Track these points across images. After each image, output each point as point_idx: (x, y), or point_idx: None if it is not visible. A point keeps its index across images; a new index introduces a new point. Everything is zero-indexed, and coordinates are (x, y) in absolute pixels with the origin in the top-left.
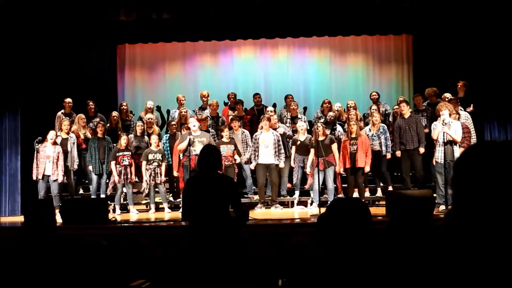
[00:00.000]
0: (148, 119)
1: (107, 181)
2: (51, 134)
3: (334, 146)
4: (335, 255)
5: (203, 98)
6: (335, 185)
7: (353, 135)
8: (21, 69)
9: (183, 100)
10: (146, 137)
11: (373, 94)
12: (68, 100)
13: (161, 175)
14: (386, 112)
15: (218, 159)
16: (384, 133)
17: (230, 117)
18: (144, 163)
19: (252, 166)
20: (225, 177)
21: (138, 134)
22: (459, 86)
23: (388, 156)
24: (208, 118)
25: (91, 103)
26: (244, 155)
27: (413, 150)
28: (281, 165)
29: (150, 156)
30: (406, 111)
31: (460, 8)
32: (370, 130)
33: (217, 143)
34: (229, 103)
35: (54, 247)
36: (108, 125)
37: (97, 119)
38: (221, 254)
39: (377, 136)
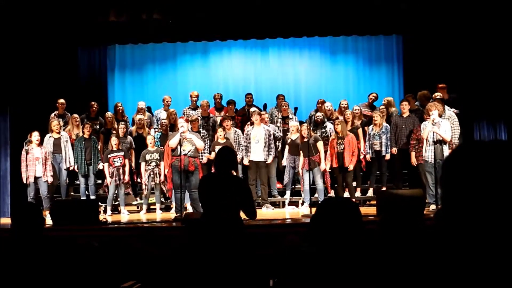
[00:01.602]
0: (139, 120)
1: (97, 181)
2: (35, 136)
3: (320, 144)
4: (327, 255)
5: (193, 98)
6: (324, 185)
7: (340, 135)
8: (10, 70)
9: (169, 101)
10: (129, 138)
11: (373, 96)
12: (61, 101)
13: (160, 175)
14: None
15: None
16: (386, 133)
17: (223, 116)
18: (143, 164)
19: (246, 161)
20: (237, 178)
21: (121, 135)
22: (438, 89)
23: (387, 157)
24: (199, 118)
25: (95, 105)
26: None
27: (407, 149)
28: (269, 160)
29: (148, 157)
30: (406, 110)
31: (450, 8)
32: (372, 129)
33: (213, 143)
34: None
35: (42, 248)
36: (103, 127)
37: (97, 122)
38: (224, 253)
39: (379, 135)
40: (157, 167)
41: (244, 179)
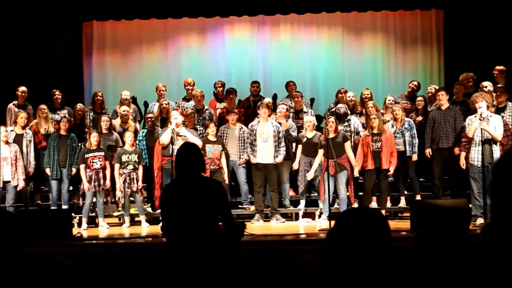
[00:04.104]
0: (124, 111)
1: (71, 188)
2: (1, 132)
3: (348, 145)
4: (347, 277)
5: (188, 87)
6: (347, 194)
7: (375, 131)
8: None
9: (163, 91)
10: (115, 134)
11: (413, 84)
12: (22, 89)
13: (137, 181)
14: None
15: (200, 159)
16: (409, 129)
17: (225, 108)
18: (117, 166)
19: (254, 160)
20: (211, 181)
21: (104, 131)
22: (495, 73)
23: (414, 157)
24: (195, 112)
25: (57, 92)
26: (241, 155)
27: (448, 149)
28: (278, 159)
29: (124, 158)
30: (445, 101)
31: None
32: (392, 126)
33: (202, 141)
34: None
35: (15, 267)
36: (71, 119)
37: (65, 111)
38: (208, 277)
39: (401, 133)
40: (134, 171)
41: (219, 182)
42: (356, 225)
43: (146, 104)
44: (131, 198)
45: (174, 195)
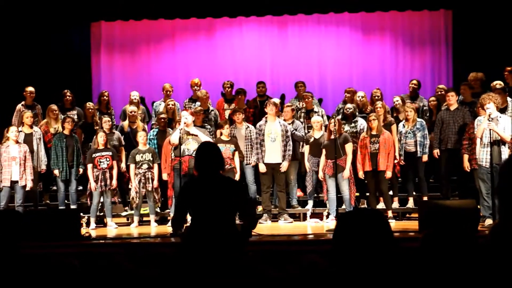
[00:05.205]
0: (131, 112)
1: (80, 188)
2: (12, 131)
3: (349, 147)
4: (352, 277)
5: (195, 87)
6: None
7: (374, 132)
8: None
9: (170, 91)
10: (116, 133)
11: (413, 84)
12: (30, 89)
13: (153, 180)
14: (424, 108)
15: (220, 158)
16: (421, 129)
17: (234, 109)
18: (132, 166)
19: (262, 168)
20: (229, 180)
21: (106, 131)
22: (506, 74)
23: (425, 158)
24: (202, 110)
25: (68, 93)
26: (249, 156)
27: (455, 150)
28: (284, 167)
29: (138, 157)
30: (454, 101)
31: None
32: (404, 126)
33: (215, 141)
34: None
35: (16, 268)
36: (82, 120)
37: (75, 112)
38: (223, 277)
39: (413, 133)
40: (149, 170)
41: (239, 181)
42: (354, 226)
43: (153, 104)
44: (144, 198)
45: (192, 193)
